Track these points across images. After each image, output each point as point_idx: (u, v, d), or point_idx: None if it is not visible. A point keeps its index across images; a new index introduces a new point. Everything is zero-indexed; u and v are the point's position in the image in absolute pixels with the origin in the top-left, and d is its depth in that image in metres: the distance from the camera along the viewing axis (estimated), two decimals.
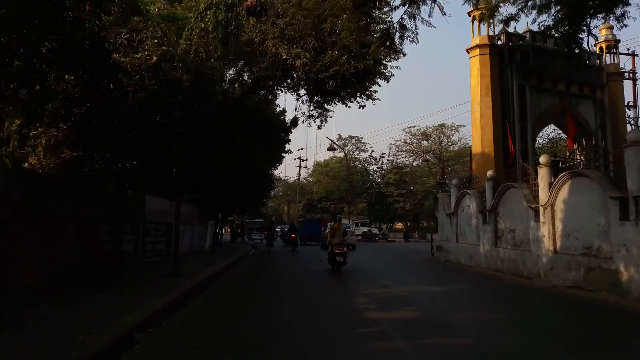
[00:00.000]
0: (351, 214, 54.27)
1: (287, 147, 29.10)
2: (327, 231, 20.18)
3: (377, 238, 35.10)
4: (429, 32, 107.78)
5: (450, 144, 49.85)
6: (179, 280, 9.94)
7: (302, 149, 51.06)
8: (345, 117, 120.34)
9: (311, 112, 22.04)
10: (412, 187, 41.71)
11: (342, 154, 57.06)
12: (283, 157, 31.72)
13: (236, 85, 21.32)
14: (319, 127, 22.13)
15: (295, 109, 21.58)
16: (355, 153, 56.80)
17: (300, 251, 23.96)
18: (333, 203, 58.85)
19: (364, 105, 20.92)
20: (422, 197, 52.20)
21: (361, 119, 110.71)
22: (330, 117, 21.94)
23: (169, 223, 15.15)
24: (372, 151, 52.10)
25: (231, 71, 20.19)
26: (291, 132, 26.30)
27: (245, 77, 20.51)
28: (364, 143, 56.82)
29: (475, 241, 13.42)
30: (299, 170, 52.54)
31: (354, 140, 56.29)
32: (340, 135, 56.49)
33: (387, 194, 50.49)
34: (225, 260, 15.99)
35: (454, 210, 14.89)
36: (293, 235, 26.55)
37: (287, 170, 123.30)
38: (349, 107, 20.71)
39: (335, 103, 21.30)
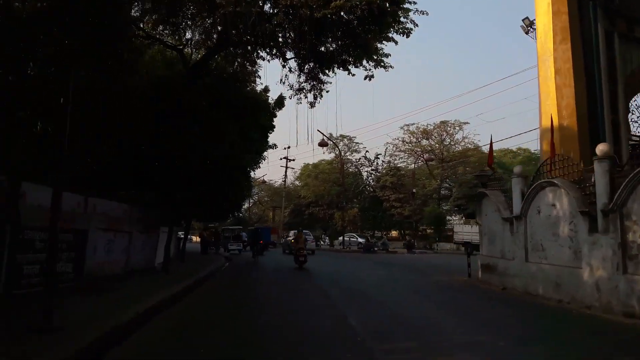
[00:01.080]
0: (343, 221, 49.06)
1: (271, 138, 24.04)
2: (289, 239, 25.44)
3: (375, 249, 29.87)
4: (428, 22, 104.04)
5: (453, 143, 45.12)
6: (46, 343, 4.59)
7: (289, 147, 45.42)
8: (336, 115, 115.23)
9: (302, 85, 16.83)
10: (413, 190, 36.72)
11: (332, 155, 51.98)
12: (266, 148, 26.56)
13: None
14: (312, 105, 16.89)
15: (281, 80, 16.38)
16: (347, 154, 51.72)
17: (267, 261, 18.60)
18: (322, 209, 53.55)
19: (371, 76, 15.82)
20: (421, 201, 47.33)
21: (354, 117, 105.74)
22: (327, 92, 16.59)
23: (80, 230, 9.70)
24: (367, 151, 47.05)
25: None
26: (276, 116, 21.00)
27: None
28: (357, 143, 51.84)
29: (568, 261, 8.31)
30: (286, 171, 47.32)
31: (346, 139, 51.24)
32: (331, 134, 51.32)
33: (382, 198, 45.46)
34: (177, 284, 10.59)
35: (522, 211, 9.77)
36: (261, 242, 25.39)
37: (272, 172, 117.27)
38: (352, 74, 15.55)
39: (332, 71, 16.13)
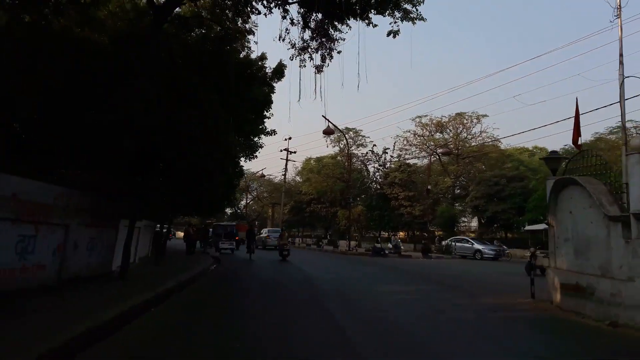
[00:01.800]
0: (347, 220, 45.51)
1: (270, 123, 20.55)
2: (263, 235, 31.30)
3: (386, 252, 26.26)
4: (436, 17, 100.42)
5: (470, 137, 41.40)
6: None
7: (290, 138, 41.68)
8: (340, 107, 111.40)
9: (307, 43, 13.27)
10: (429, 187, 33.05)
11: (336, 149, 48.45)
12: (262, 131, 23.05)
13: None
14: (318, 70, 13.32)
15: (280, 36, 12.79)
16: (352, 148, 48.09)
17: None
18: (325, 206, 50.02)
19: (397, 31, 12.39)
20: (432, 200, 43.71)
21: (360, 108, 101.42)
22: (339, 53, 13.00)
23: None
24: (374, 145, 43.40)
25: None
26: (274, 92, 17.39)
27: None
28: (363, 136, 48.23)
29: None
30: (286, 164, 43.64)
31: (351, 132, 47.60)
32: (335, 127, 47.88)
33: (390, 196, 41.86)
34: (125, 301, 7.09)
35: None
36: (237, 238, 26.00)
37: (271, 166, 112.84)
38: (374, 25, 11.96)
39: (346, 23, 12.59)
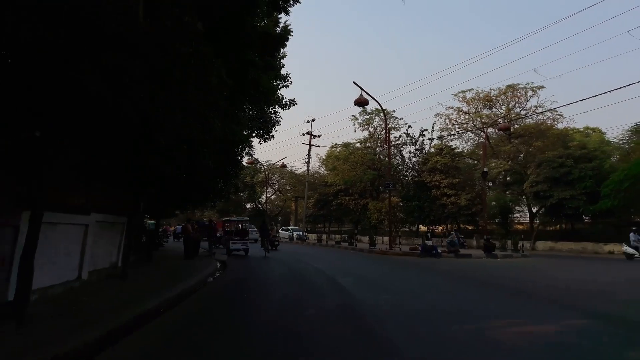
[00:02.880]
0: (379, 213, 39.97)
1: (287, 93, 15.65)
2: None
3: (438, 250, 20.67)
4: None
5: (524, 112, 35.02)
6: None
7: (312, 120, 36.43)
8: (368, 85, 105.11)
9: None
10: (485, 169, 27.14)
11: (365, 133, 42.80)
12: (278, 101, 17.99)
13: None
14: None
15: None
16: (383, 132, 42.34)
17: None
18: (354, 198, 44.58)
19: None
20: (487, 185, 37.67)
21: (391, 85, 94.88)
22: None
23: None
24: (409, 127, 37.50)
25: None
26: (285, 44, 12.09)
27: None
28: (395, 118, 42.40)
29: None
30: (309, 150, 38.36)
31: (381, 114, 41.82)
32: (364, 109, 42.27)
33: (431, 184, 36.10)
34: None
35: None
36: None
37: (292, 152, 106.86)
38: None
39: None
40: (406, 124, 44.12)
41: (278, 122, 19.97)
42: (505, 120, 32.30)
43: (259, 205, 59.10)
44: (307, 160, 38.14)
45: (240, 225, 22.77)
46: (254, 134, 20.14)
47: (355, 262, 17.95)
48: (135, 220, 12.88)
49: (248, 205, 63.81)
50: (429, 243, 20.71)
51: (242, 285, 10.88)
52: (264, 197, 57.80)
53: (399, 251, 22.27)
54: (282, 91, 19.42)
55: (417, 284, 11.31)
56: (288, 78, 19.04)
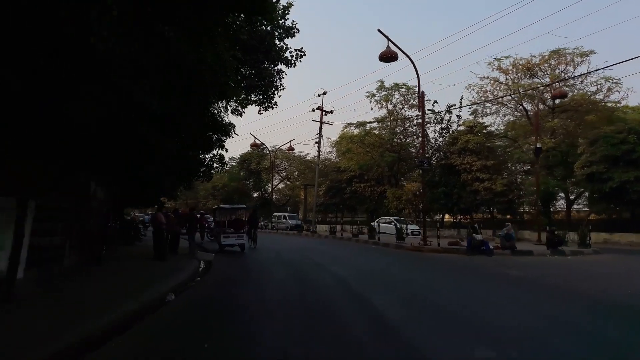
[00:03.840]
0: (399, 201, 35.25)
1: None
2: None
3: (490, 247, 15.90)
4: None
5: (574, 80, 29.72)
6: None
7: (324, 93, 31.47)
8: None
9: None
10: (538, 144, 22.20)
11: (383, 111, 37.84)
12: (280, 56, 13.71)
13: None
14: None
15: None
16: (404, 109, 37.48)
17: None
18: (370, 185, 39.88)
19: None
20: (523, 170, 32.81)
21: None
22: None
23: None
24: (435, 102, 32.40)
25: None
26: None
27: None
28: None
29: None
30: (320, 127, 33.32)
31: (402, 89, 36.93)
32: (381, 84, 37.32)
33: (460, 167, 31.23)
34: None
35: None
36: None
37: (300, 134, 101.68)
38: None
39: None
40: (429, 100, 38.78)
41: (282, 83, 15.58)
42: (554, 89, 27.10)
43: (266, 195, 54.63)
44: (317, 140, 33.17)
45: (233, 215, 18.28)
46: (250, 98, 15.76)
47: (387, 264, 13.35)
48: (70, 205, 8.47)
49: (254, 194, 59.47)
50: (479, 237, 15.98)
51: (219, 314, 6.35)
52: (271, 185, 53.28)
53: (438, 247, 17.53)
54: (288, 43, 14.87)
55: (510, 309, 6.65)
56: (294, 29, 14.51)
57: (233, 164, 59.24)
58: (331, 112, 32.71)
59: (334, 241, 25.50)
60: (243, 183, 58.37)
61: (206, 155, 14.82)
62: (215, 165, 15.07)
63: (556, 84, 27.28)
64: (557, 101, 28.40)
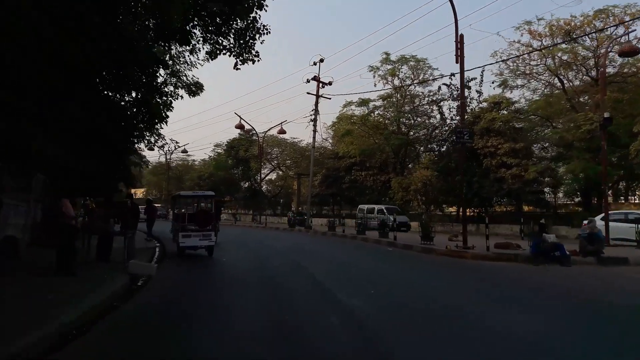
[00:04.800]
0: (405, 191, 30.20)
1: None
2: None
3: (566, 252, 10.85)
4: None
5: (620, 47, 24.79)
6: None
7: (321, 60, 26.05)
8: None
9: None
10: (606, 114, 17.19)
11: (388, 88, 32.63)
12: None
13: None
14: None
15: None
16: (413, 85, 32.36)
17: None
18: (372, 173, 34.86)
19: None
20: (556, 153, 27.87)
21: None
22: None
23: None
24: (452, 75, 27.42)
25: None
26: None
27: None
28: (429, 67, 32.29)
29: None
30: (316, 101, 27.92)
31: (411, 62, 31.81)
32: (386, 56, 32.06)
33: (482, 151, 26.33)
34: None
35: None
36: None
37: (293, 115, 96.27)
38: None
39: None
40: (442, 75, 33.47)
41: (265, 26, 11.09)
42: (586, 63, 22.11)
43: (255, 185, 49.46)
44: (312, 117, 27.88)
45: (197, 204, 13.25)
46: (222, 45, 11.32)
47: (426, 284, 8.36)
48: None
49: (243, 184, 54.24)
50: (551, 238, 11.00)
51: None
52: (260, 174, 48.09)
53: (488, 252, 12.45)
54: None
55: None
56: None
57: (219, 151, 54.01)
58: (329, 83, 27.45)
59: (335, 240, 20.49)
60: (231, 172, 53.20)
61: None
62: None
63: (610, 45, 22.32)
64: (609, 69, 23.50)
